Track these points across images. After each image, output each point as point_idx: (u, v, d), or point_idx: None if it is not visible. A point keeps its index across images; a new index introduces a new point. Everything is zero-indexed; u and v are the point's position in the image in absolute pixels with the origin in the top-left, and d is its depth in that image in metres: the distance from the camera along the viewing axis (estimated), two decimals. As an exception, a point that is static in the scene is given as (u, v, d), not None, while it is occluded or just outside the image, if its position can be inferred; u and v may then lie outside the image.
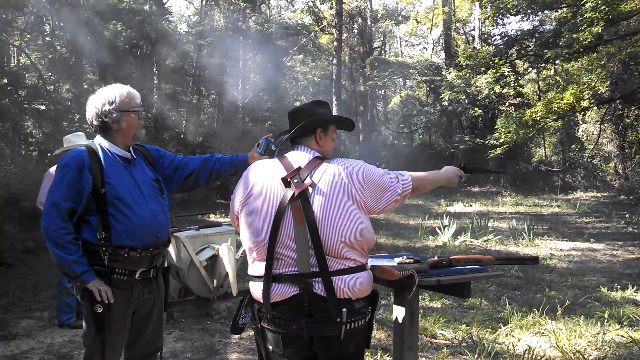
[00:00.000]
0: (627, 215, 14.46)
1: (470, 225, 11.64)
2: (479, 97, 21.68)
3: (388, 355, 4.50)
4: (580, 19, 13.91)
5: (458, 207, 18.38)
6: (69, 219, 2.64)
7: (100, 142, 2.84)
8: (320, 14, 28.73)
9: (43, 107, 13.53)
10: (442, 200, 20.38)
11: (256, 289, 2.31)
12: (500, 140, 16.93)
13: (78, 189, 2.66)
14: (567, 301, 6.01)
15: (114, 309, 2.68)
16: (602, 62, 18.12)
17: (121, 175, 2.78)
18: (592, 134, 24.53)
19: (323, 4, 28.08)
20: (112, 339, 2.72)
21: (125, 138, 2.87)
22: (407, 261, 2.74)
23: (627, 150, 22.88)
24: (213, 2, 24.44)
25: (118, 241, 2.68)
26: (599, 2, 13.02)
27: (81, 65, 15.42)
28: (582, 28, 13.73)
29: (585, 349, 4.64)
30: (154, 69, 18.08)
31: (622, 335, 4.92)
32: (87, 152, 2.74)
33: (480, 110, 23.20)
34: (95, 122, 2.83)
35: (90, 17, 13.97)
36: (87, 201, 2.68)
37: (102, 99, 2.81)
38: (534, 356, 4.44)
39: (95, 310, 2.65)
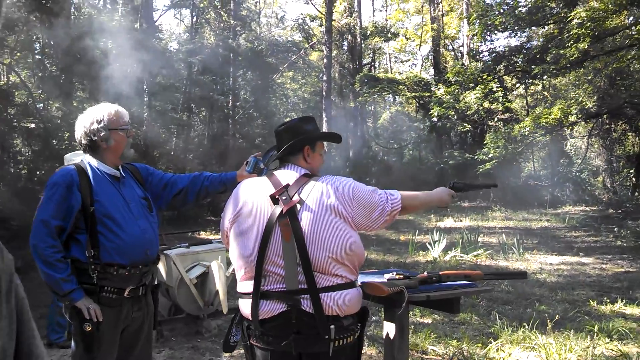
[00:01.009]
0: (615, 229, 14.54)
1: (461, 241, 11.65)
2: (467, 113, 21.78)
3: (379, 372, 4.49)
4: (567, 35, 14.08)
5: (448, 222, 18.41)
6: (58, 237, 2.64)
7: (89, 161, 2.84)
8: (310, 31, 28.96)
9: (32, 125, 13.48)
10: (432, 215, 20.40)
11: (245, 306, 2.32)
12: (490, 156, 17.07)
13: (67, 207, 2.66)
14: (557, 315, 6.02)
15: (102, 327, 2.67)
16: (589, 78, 18.37)
17: (110, 193, 2.79)
18: (580, 148, 24.77)
19: (313, 21, 28.31)
20: (101, 357, 2.70)
21: (114, 156, 2.88)
22: (397, 277, 2.75)
23: (614, 164, 23.10)
24: (203, 20, 24.57)
25: (107, 259, 2.68)
26: (585, 18, 13.21)
27: (71, 83, 15.40)
28: (569, 44, 13.90)
29: (576, 363, 4.65)
30: (144, 87, 18.08)
31: (611, 349, 4.94)
32: (76, 170, 2.75)
33: (469, 126, 23.34)
34: (84, 141, 2.84)
35: (80, 35, 13.98)
36: (76, 219, 2.69)
37: (90, 117, 2.82)
38: (524, 371, 4.45)
39: (84, 329, 2.65)
